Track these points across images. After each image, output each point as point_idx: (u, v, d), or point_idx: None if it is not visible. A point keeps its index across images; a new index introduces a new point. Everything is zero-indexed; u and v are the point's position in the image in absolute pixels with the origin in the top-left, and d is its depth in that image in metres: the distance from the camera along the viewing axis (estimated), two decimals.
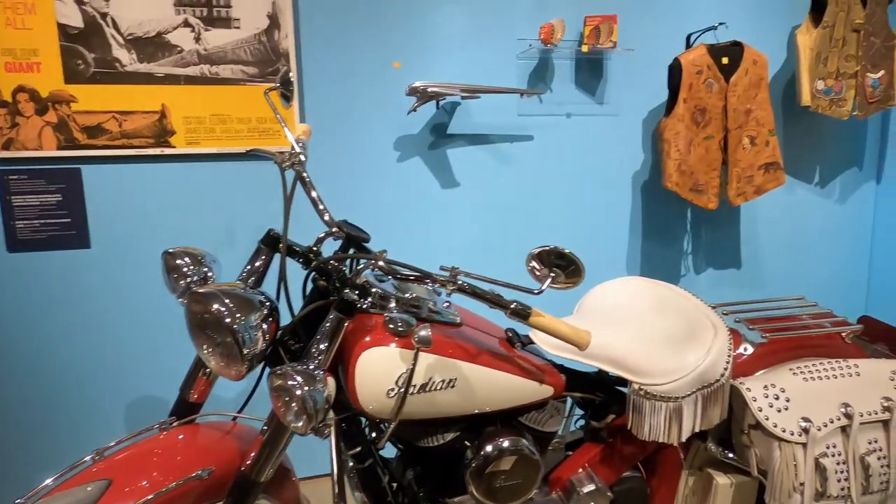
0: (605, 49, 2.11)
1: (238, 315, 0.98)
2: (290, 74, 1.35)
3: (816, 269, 2.66)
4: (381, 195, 2.12)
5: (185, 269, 1.22)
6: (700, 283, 2.51)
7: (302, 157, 1.29)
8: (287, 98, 1.36)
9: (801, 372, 1.38)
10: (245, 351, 0.99)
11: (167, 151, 1.88)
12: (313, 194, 1.26)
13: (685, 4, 2.29)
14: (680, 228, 2.46)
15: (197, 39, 1.85)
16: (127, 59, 1.81)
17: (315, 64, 1.99)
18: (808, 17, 2.27)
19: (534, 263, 1.12)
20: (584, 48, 2.08)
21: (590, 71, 2.25)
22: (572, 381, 1.34)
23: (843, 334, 1.57)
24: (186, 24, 1.84)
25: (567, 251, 1.08)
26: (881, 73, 2.32)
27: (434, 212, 2.17)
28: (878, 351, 1.67)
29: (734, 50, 2.16)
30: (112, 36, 1.79)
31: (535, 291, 1.04)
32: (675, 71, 2.13)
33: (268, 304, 1.05)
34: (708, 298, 2.55)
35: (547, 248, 1.09)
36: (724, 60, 2.15)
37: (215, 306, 0.98)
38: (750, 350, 1.49)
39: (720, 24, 2.16)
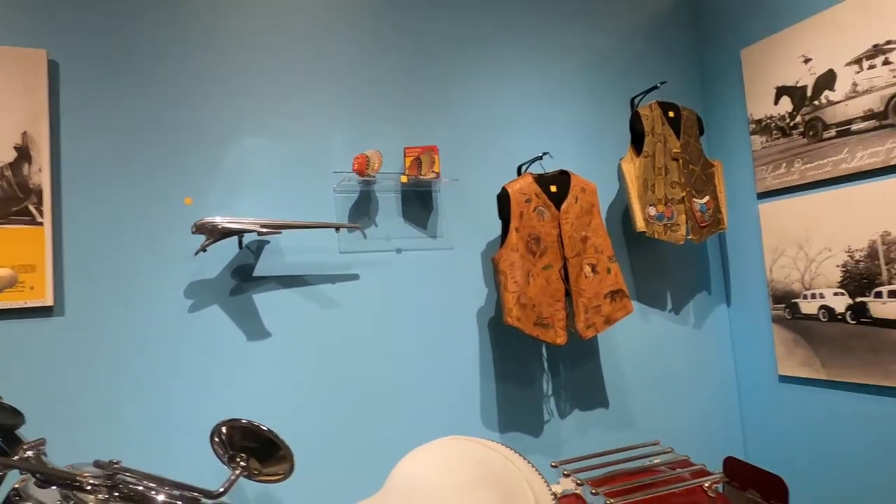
0: (428, 180, 1.97)
1: None
2: None
3: (686, 399, 2.48)
4: (168, 355, 1.72)
5: None
6: (567, 428, 2.23)
7: None
8: None
9: None
10: None
11: None
12: None
13: (514, 136, 2.26)
14: (537, 369, 2.22)
15: None
16: None
17: (78, 203, 1.67)
18: (630, 148, 2.30)
19: (219, 443, 0.77)
20: (404, 178, 1.93)
21: (419, 203, 2.09)
22: None
23: (705, 486, 1.30)
24: None
25: (265, 429, 0.76)
26: (706, 198, 2.35)
27: (239, 368, 1.79)
28: (750, 500, 1.41)
29: (561, 178, 2.10)
30: None
31: (215, 494, 0.69)
32: (503, 200, 2.01)
33: None
34: (577, 445, 2.27)
35: (235, 425, 0.76)
36: (553, 189, 2.07)
37: None
38: None
39: (544, 153, 2.13)
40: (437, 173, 1.96)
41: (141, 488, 0.70)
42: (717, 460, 2.46)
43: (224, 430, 0.75)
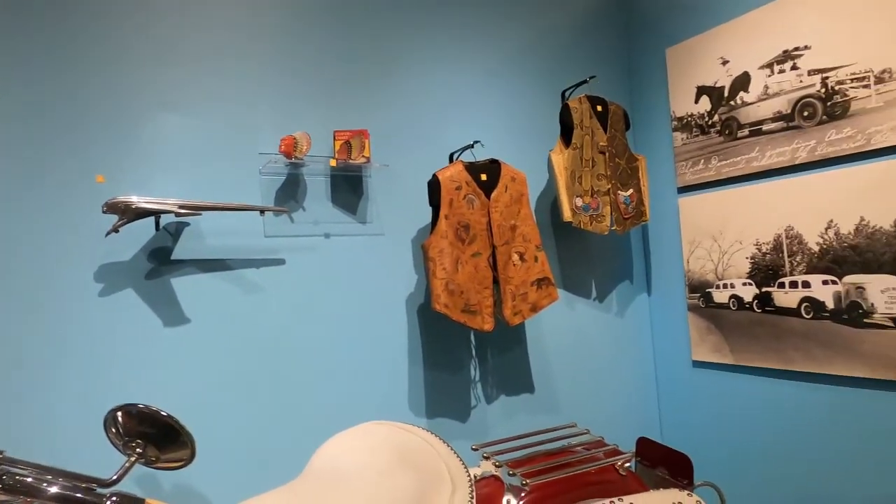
0: (358, 164, 1.95)
1: None
2: None
3: (608, 383, 2.58)
4: (76, 341, 1.63)
5: None
6: (494, 412, 2.27)
7: None
8: None
9: None
10: None
11: None
12: None
13: (446, 123, 2.26)
14: (465, 355, 2.24)
15: None
16: None
17: None
18: (560, 139, 2.36)
19: (114, 431, 0.74)
20: (333, 162, 1.90)
21: (349, 188, 2.06)
22: None
23: (617, 465, 1.36)
24: None
25: (164, 414, 0.73)
26: (630, 191, 2.44)
27: (155, 354, 1.72)
28: (659, 477, 1.49)
29: (492, 167, 2.13)
30: None
31: (107, 482, 0.66)
32: (434, 187, 2.01)
33: None
34: (503, 429, 2.32)
35: (131, 410, 0.73)
36: (483, 177, 2.09)
37: None
38: (513, 503, 1.21)
39: (476, 142, 2.14)
40: (368, 158, 1.94)
41: (30, 480, 0.65)
42: (635, 440, 2.58)
43: (119, 415, 0.72)
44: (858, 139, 1.94)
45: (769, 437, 2.25)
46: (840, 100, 1.99)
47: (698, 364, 2.51)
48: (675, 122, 2.55)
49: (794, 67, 2.12)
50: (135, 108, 1.75)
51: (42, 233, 1.61)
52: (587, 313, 2.55)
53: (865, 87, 1.92)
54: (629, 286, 2.69)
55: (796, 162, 2.11)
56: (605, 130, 2.39)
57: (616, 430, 2.56)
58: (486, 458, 1.30)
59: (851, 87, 1.96)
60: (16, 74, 1.61)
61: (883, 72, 1.88)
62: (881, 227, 1.90)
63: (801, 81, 2.10)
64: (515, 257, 2.12)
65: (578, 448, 1.42)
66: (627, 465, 1.42)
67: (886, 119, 1.87)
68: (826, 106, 2.03)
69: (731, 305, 2.35)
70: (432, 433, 1.21)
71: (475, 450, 1.33)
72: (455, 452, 1.16)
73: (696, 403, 2.53)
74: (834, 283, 2.02)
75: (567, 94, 2.52)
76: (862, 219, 1.95)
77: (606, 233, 2.36)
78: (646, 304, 2.72)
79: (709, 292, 2.44)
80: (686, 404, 2.58)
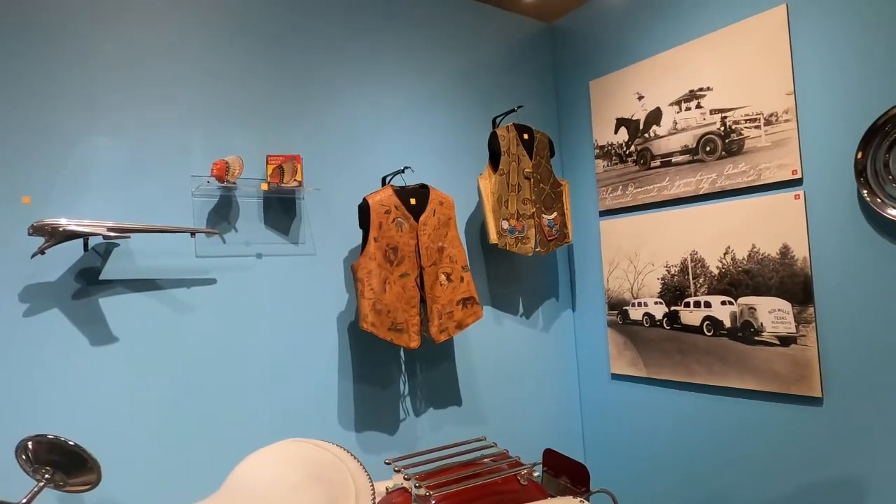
0: (290, 188, 2.02)
1: None
2: None
3: (535, 396, 2.72)
4: (1, 362, 1.64)
5: None
6: (422, 425, 2.37)
7: None
8: None
9: None
10: None
11: None
12: None
13: (379, 148, 2.36)
14: (395, 370, 2.34)
15: None
16: None
17: None
18: (488, 165, 2.49)
19: (24, 458, 0.81)
20: (264, 186, 1.97)
21: (281, 210, 2.13)
22: None
23: (519, 475, 1.49)
24: None
25: (71, 444, 0.81)
26: (554, 214, 2.60)
27: (81, 373, 1.74)
28: (561, 485, 1.62)
29: (421, 192, 2.24)
30: None
31: None
32: (363, 211, 2.11)
33: None
34: (430, 440, 2.43)
35: (42, 440, 0.81)
36: (412, 201, 2.20)
37: None
38: None
39: (406, 167, 2.25)
40: (300, 182, 2.02)
41: None
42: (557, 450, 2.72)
43: (30, 444, 0.78)
44: (751, 174, 2.15)
45: (673, 444, 2.43)
46: (736, 138, 2.19)
47: (616, 377, 2.69)
48: (598, 151, 2.73)
49: (698, 106, 2.32)
50: (65, 130, 1.77)
51: None
52: (514, 329, 2.69)
53: (757, 127, 2.13)
54: (555, 303, 2.84)
55: (700, 192, 2.31)
56: (531, 157, 2.54)
57: (541, 440, 2.71)
58: (398, 472, 1.39)
59: (745, 127, 2.16)
60: None
61: (771, 115, 2.09)
62: (769, 255, 2.10)
63: (704, 119, 2.30)
64: (443, 277, 2.23)
65: (485, 460, 1.53)
66: (536, 475, 1.54)
67: (774, 157, 2.08)
68: (725, 143, 2.23)
69: (645, 322, 2.53)
70: (344, 449, 1.31)
71: (388, 464, 1.42)
72: (363, 467, 1.25)
73: (614, 414, 2.70)
74: (731, 303, 2.22)
75: (498, 120, 2.67)
76: (754, 246, 2.15)
77: (531, 254, 2.51)
78: (570, 320, 2.88)
79: (626, 310, 2.61)
80: (605, 415, 2.74)
